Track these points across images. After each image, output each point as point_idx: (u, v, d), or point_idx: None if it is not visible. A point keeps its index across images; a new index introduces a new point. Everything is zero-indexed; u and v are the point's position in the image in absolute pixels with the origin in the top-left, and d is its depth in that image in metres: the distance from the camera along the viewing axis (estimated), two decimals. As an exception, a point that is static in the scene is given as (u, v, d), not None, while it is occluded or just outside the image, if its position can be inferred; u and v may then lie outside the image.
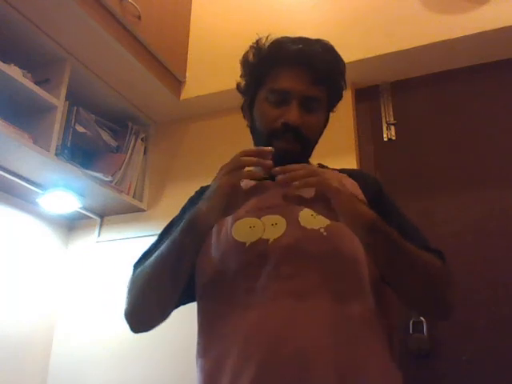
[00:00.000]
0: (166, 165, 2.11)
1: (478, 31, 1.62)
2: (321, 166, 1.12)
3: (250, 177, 0.88)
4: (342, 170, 1.11)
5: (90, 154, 1.97)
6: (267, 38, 1.05)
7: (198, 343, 0.96)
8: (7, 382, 1.76)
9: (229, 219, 0.97)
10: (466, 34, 1.64)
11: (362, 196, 1.01)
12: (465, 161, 1.71)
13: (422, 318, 1.50)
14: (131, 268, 1.07)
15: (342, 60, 1.06)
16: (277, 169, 0.85)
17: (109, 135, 2.01)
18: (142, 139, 2.09)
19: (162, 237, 1.08)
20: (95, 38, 1.68)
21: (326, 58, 1.02)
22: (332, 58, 1.04)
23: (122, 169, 1.96)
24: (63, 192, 1.79)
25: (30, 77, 1.63)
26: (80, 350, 1.90)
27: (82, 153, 1.93)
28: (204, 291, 0.98)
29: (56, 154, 1.66)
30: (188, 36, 2.10)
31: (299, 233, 0.93)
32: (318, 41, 1.05)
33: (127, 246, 2.00)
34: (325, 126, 1.09)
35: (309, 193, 0.86)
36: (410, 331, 1.51)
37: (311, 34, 1.06)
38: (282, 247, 0.91)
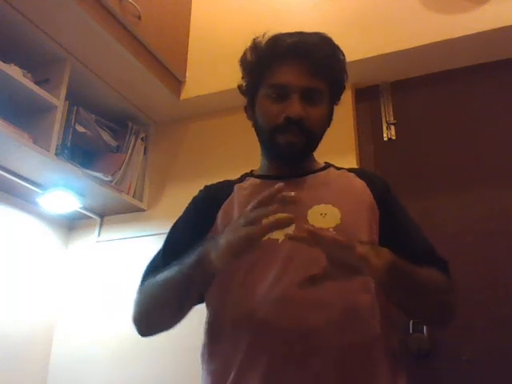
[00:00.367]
0: (166, 165, 2.11)
1: (478, 31, 1.62)
2: (327, 164, 1.12)
3: (268, 231, 0.79)
4: (350, 170, 1.10)
5: (90, 153, 1.97)
6: (263, 35, 1.05)
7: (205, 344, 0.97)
8: (7, 382, 1.76)
9: (236, 216, 0.97)
10: (466, 33, 1.64)
11: (370, 196, 1.01)
12: (465, 161, 1.71)
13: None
14: (140, 276, 1.06)
15: (340, 50, 1.04)
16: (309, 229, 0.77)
17: (109, 135, 2.01)
18: (141, 139, 2.09)
19: (168, 241, 1.07)
20: (95, 38, 1.68)
21: (323, 48, 1.01)
22: (329, 49, 1.03)
23: (122, 169, 1.96)
24: (63, 192, 1.79)
25: (30, 77, 1.63)
26: (80, 350, 1.90)
27: (81, 153, 1.93)
28: (211, 292, 0.97)
29: (56, 154, 1.66)
30: (188, 36, 2.10)
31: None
32: (315, 33, 1.04)
33: (127, 245, 2.00)
34: (329, 118, 1.07)
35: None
36: (410, 331, 1.51)
37: (311, 34, 1.06)
38: (290, 247, 0.91)
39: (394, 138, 1.82)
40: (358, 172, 1.08)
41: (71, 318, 1.97)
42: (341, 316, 0.87)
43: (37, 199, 1.83)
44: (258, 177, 1.08)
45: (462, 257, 1.52)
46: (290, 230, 0.92)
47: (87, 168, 1.81)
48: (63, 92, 1.71)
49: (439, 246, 1.02)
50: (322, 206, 0.96)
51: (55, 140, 1.66)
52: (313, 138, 1.03)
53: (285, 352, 0.85)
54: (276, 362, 0.85)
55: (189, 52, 2.08)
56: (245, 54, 1.07)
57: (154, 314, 0.98)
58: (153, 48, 1.86)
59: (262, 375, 0.85)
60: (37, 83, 1.64)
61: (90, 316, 1.94)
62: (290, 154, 1.01)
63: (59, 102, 1.69)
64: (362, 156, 1.80)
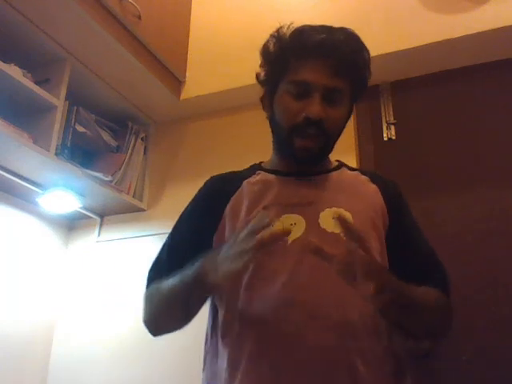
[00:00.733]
0: (166, 165, 2.11)
1: (478, 31, 1.62)
2: (340, 163, 1.11)
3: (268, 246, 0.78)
4: (363, 172, 1.09)
5: (90, 153, 1.97)
6: (289, 26, 1.01)
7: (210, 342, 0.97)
8: (7, 382, 1.76)
9: (243, 216, 0.96)
10: (466, 33, 1.64)
11: (381, 201, 1.00)
12: (465, 161, 1.71)
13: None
14: (145, 275, 1.05)
15: (366, 49, 1.02)
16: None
17: (109, 135, 2.01)
18: (141, 139, 2.09)
19: (173, 237, 1.06)
20: (95, 38, 1.68)
21: (349, 47, 0.98)
22: (356, 47, 1.00)
23: (122, 169, 1.96)
24: (63, 192, 1.79)
25: (30, 77, 1.63)
26: (80, 350, 1.90)
27: (81, 153, 1.93)
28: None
29: (56, 154, 1.66)
30: (188, 36, 2.10)
31: (318, 235, 0.91)
32: (342, 29, 1.00)
33: (127, 245, 2.00)
34: (348, 118, 1.05)
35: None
36: (410, 331, 1.51)
37: (311, 33, 1.06)
38: (300, 250, 0.90)
39: (393, 137, 1.81)
40: (371, 176, 1.07)
41: (71, 317, 1.97)
42: (348, 319, 0.87)
43: (37, 199, 1.83)
44: (268, 171, 1.06)
45: (462, 257, 1.52)
46: (300, 232, 0.92)
47: (87, 168, 1.81)
48: (63, 92, 1.71)
49: (439, 245, 1.03)
50: (334, 209, 0.95)
51: (55, 140, 1.66)
52: (330, 139, 1.01)
53: (291, 356, 0.85)
54: (281, 366, 0.85)
55: (189, 52, 2.08)
56: (267, 43, 1.03)
57: (162, 319, 0.99)
58: (153, 48, 1.86)
59: (266, 379, 0.85)
60: (37, 83, 1.64)
61: (90, 316, 1.94)
62: (304, 158, 0.99)
63: (59, 101, 1.69)
64: (361, 156, 1.80)
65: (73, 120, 1.78)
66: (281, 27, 1.01)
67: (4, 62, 1.53)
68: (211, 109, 2.06)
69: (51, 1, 1.54)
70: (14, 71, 1.57)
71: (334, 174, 1.06)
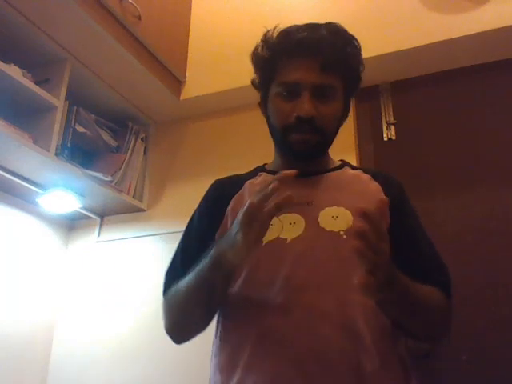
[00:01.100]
0: (166, 165, 2.11)
1: (478, 31, 1.62)
2: (343, 162, 1.11)
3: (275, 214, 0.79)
4: (365, 171, 1.08)
5: (90, 153, 1.97)
6: (274, 29, 1.02)
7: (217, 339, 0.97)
8: (7, 382, 1.76)
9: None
10: (466, 33, 1.64)
11: (384, 199, 1.00)
12: (465, 161, 1.71)
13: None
14: (163, 281, 1.05)
15: (354, 41, 1.01)
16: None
17: (109, 135, 2.01)
18: (142, 139, 2.09)
19: (185, 241, 1.06)
20: (95, 38, 1.68)
21: (333, 42, 0.97)
22: (340, 41, 0.99)
23: (122, 169, 1.96)
24: (63, 192, 1.79)
25: (30, 77, 1.63)
26: (80, 350, 1.90)
27: (81, 153, 1.93)
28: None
29: (56, 154, 1.66)
30: (188, 36, 2.10)
31: (317, 234, 0.91)
32: (326, 25, 1.00)
33: (127, 245, 2.00)
34: (344, 113, 1.05)
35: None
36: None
37: (311, 34, 1.05)
38: (300, 248, 0.90)
39: (393, 138, 1.82)
40: (373, 174, 1.06)
41: (71, 317, 1.97)
42: (349, 318, 0.87)
43: (37, 199, 1.84)
44: (271, 172, 1.06)
45: (462, 257, 1.52)
46: (300, 230, 0.92)
47: (87, 168, 1.81)
48: (63, 92, 1.72)
49: (439, 246, 1.02)
50: (334, 208, 0.94)
51: (55, 140, 1.66)
52: (326, 135, 1.00)
53: (291, 357, 0.84)
54: (281, 366, 0.85)
55: (189, 52, 2.08)
56: (256, 48, 1.04)
57: (185, 323, 0.98)
58: (153, 48, 1.87)
59: (266, 377, 0.85)
60: (37, 83, 1.64)
61: (90, 316, 1.94)
62: (302, 151, 0.99)
63: (59, 102, 1.69)
64: (361, 156, 1.80)
65: (73, 120, 1.79)
66: (267, 31, 1.03)
67: (4, 62, 1.53)
68: (211, 109, 2.06)
69: (51, 1, 1.54)
70: (14, 71, 1.57)
71: (335, 173, 1.06)
